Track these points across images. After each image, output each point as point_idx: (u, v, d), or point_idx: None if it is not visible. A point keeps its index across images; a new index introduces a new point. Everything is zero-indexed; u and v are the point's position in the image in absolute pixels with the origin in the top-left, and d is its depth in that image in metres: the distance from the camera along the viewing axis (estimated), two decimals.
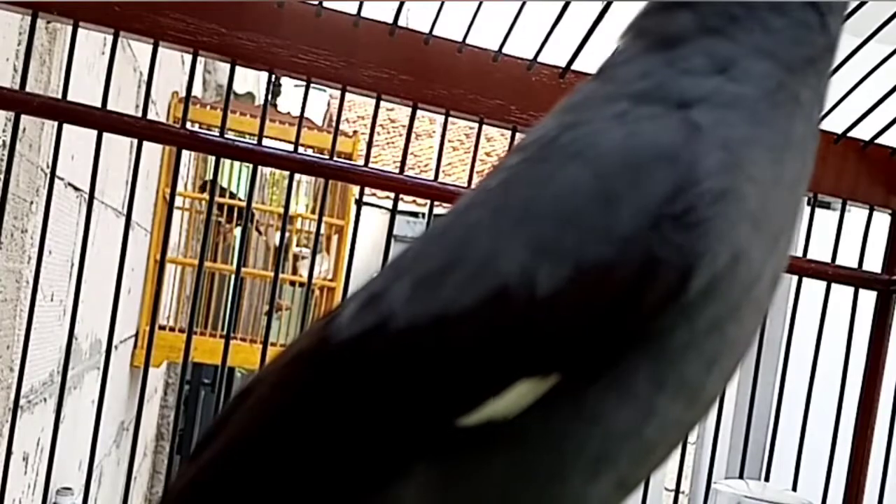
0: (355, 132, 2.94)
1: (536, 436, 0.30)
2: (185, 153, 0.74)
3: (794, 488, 0.79)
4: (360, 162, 0.77)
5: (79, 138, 0.73)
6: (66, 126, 0.69)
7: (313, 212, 3.22)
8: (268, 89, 0.79)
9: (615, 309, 0.29)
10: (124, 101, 1.64)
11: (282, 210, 0.81)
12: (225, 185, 3.44)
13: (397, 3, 0.73)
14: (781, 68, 0.33)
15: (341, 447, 0.32)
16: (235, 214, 3.17)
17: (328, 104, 5.65)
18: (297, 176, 0.76)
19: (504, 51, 0.76)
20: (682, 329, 0.30)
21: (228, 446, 0.35)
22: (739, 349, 0.33)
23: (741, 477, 0.77)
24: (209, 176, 3.09)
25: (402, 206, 0.77)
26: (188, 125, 0.73)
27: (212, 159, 0.72)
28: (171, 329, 2.79)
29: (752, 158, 0.31)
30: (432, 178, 0.77)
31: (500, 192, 0.33)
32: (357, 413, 0.32)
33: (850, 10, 0.68)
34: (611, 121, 0.32)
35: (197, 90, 3.15)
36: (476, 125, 0.77)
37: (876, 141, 0.82)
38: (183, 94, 2.53)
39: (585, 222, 0.30)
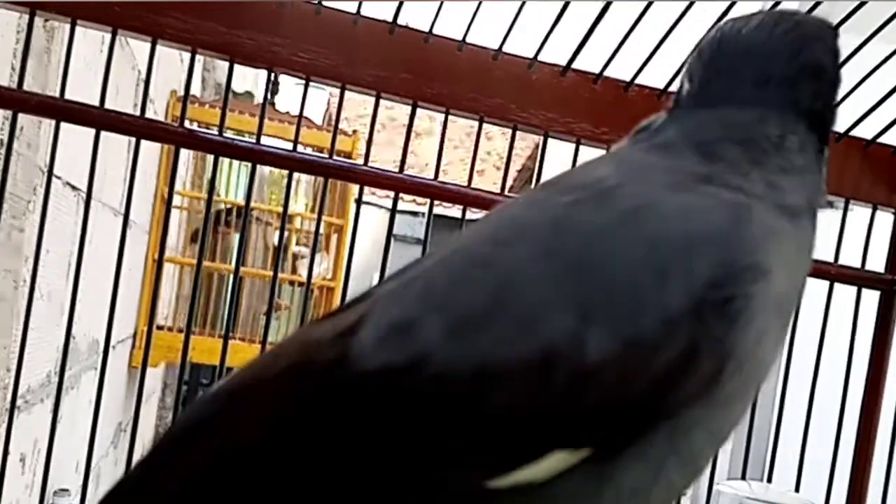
0: (355, 131, 2.94)
1: (554, 493, 0.31)
2: (184, 152, 0.73)
3: (797, 489, 0.79)
4: (360, 161, 0.76)
5: (77, 137, 0.73)
6: (63, 125, 0.69)
7: (312, 211, 3.22)
8: (267, 88, 0.79)
9: (656, 390, 0.30)
10: (122, 100, 1.64)
11: (281, 209, 0.81)
12: (223, 184, 3.44)
13: (397, 2, 0.72)
14: (808, 205, 0.38)
15: (352, 475, 0.31)
16: (234, 216, 3.17)
17: (328, 103, 5.65)
18: (296, 175, 0.76)
19: (504, 49, 0.75)
20: (700, 405, 0.31)
21: (222, 454, 0.33)
22: (740, 417, 0.35)
23: (743, 478, 0.76)
24: (208, 174, 3.08)
25: (402, 206, 0.77)
26: (187, 124, 0.72)
27: (210, 158, 0.72)
28: (170, 329, 2.79)
29: (786, 250, 0.34)
30: (432, 176, 0.77)
31: (549, 232, 0.33)
32: (377, 448, 0.30)
33: (852, 8, 0.68)
34: (671, 189, 0.33)
35: (195, 89, 3.15)
36: (476, 124, 0.77)
37: (878, 140, 0.82)
38: (181, 92, 2.53)
39: (637, 294, 0.30)
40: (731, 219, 0.32)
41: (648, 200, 0.33)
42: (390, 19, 0.73)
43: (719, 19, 0.70)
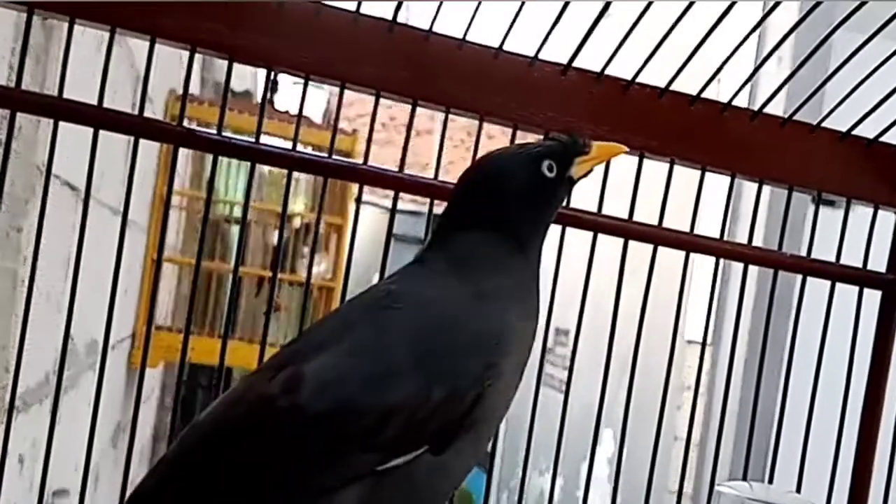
0: (354, 130, 2.94)
1: (410, 470, 0.52)
2: (182, 151, 0.73)
3: (798, 490, 0.78)
4: (360, 160, 0.76)
5: (75, 136, 0.73)
6: (61, 124, 0.69)
7: (312, 210, 3.21)
8: (266, 86, 0.79)
9: (462, 418, 0.53)
10: (121, 99, 1.63)
11: (280, 209, 0.80)
12: (223, 184, 3.43)
13: (396, 0, 0.72)
14: (524, 288, 0.59)
15: (304, 464, 0.50)
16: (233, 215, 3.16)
17: (327, 101, 5.65)
18: (295, 174, 0.75)
19: (505, 48, 0.75)
20: (479, 424, 0.54)
21: (216, 461, 0.51)
22: (486, 444, 0.57)
23: (744, 478, 0.76)
24: (206, 174, 3.08)
25: (401, 205, 0.76)
26: (185, 123, 0.72)
27: (209, 157, 0.71)
28: (169, 329, 2.78)
29: (521, 335, 0.57)
30: (432, 176, 0.77)
31: (413, 324, 0.54)
32: (319, 449, 0.50)
33: (855, 6, 0.68)
34: (464, 302, 0.56)
35: (194, 88, 3.15)
36: (477, 123, 0.76)
37: (880, 139, 0.81)
38: (180, 91, 2.52)
39: (456, 368, 0.53)
40: (500, 322, 0.55)
41: (454, 310, 0.55)
42: (390, 17, 0.72)
43: (719, 19, 0.70)
